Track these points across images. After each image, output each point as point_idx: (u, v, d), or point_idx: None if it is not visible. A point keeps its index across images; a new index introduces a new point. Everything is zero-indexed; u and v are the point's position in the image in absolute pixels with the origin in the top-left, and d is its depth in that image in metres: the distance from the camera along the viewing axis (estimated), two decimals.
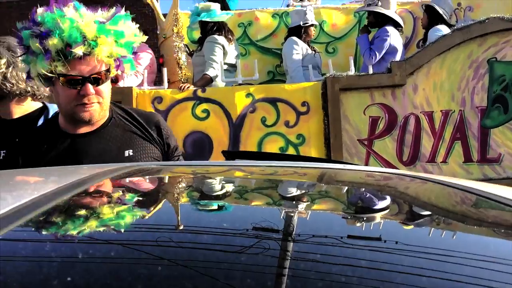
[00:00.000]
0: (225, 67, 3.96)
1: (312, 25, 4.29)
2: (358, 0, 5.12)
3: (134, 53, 1.74)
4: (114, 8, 1.65)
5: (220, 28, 4.06)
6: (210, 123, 3.59)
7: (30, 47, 1.55)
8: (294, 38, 4.24)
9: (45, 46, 1.51)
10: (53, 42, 1.49)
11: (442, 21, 4.21)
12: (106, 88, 1.62)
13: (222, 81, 3.93)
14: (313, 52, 4.27)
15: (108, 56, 1.58)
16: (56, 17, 1.52)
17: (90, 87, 1.55)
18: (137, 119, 1.75)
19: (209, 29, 4.06)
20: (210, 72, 3.87)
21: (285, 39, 4.37)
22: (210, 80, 3.88)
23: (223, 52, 3.98)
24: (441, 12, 4.22)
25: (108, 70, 1.61)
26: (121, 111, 1.77)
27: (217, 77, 3.90)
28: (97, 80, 1.58)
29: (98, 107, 1.61)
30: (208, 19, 4.07)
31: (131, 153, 1.65)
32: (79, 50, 1.50)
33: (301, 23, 4.23)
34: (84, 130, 1.66)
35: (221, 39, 3.96)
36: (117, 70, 1.65)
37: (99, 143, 1.65)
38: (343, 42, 4.73)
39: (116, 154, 1.64)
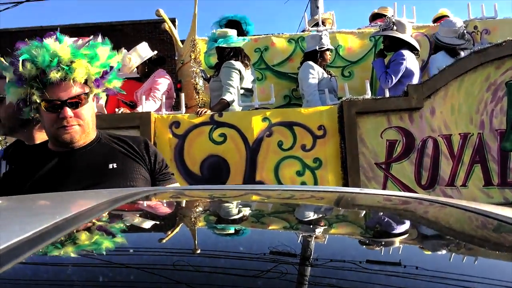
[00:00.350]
0: (242, 91, 4.00)
1: (328, 49, 4.33)
2: (373, 25, 5.15)
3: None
4: (92, 36, 1.72)
5: (237, 53, 4.11)
6: (227, 147, 3.61)
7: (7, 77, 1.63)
8: (310, 62, 4.27)
9: (21, 74, 1.57)
10: (27, 68, 1.56)
11: (446, 48, 4.30)
12: (86, 110, 1.67)
13: (238, 106, 3.96)
14: (329, 76, 4.29)
15: (85, 79, 1.63)
16: (33, 46, 1.59)
17: (68, 111, 1.60)
18: (123, 139, 1.80)
19: (226, 54, 4.12)
20: (227, 97, 3.91)
21: (301, 63, 4.40)
22: (227, 105, 3.91)
23: (240, 77, 4.02)
24: (445, 41, 4.29)
25: (87, 93, 1.65)
26: (108, 135, 1.82)
27: (234, 101, 3.93)
28: (75, 104, 1.63)
29: (79, 129, 1.66)
30: (225, 45, 4.13)
31: (115, 166, 1.68)
32: (54, 76, 1.55)
33: (317, 48, 4.27)
34: (70, 149, 1.72)
35: (237, 64, 4.02)
36: (100, 89, 1.70)
37: (84, 159, 1.70)
38: (359, 66, 4.74)
39: (101, 167, 1.68)
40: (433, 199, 1.27)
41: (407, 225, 0.98)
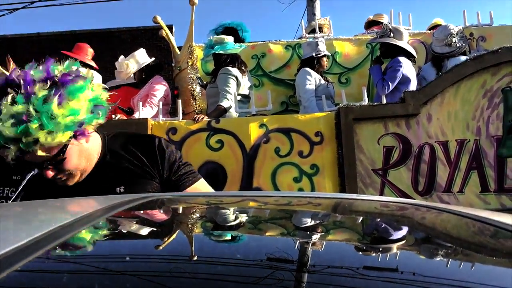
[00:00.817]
0: (239, 98, 4.01)
1: (324, 55, 4.34)
2: (370, 32, 5.17)
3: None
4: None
5: (233, 60, 4.13)
6: (224, 153, 3.61)
7: None
8: (307, 68, 4.29)
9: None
10: None
11: (434, 57, 4.39)
12: (71, 159, 1.50)
13: (236, 112, 3.96)
14: (326, 82, 4.30)
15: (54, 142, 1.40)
16: None
17: (49, 173, 1.48)
18: (132, 150, 1.65)
19: (223, 61, 4.14)
20: (224, 103, 3.92)
21: (298, 70, 4.42)
22: (224, 111, 3.92)
23: (237, 84, 4.03)
24: (436, 50, 4.32)
25: (64, 148, 1.47)
26: (116, 145, 1.68)
27: (231, 108, 3.94)
28: (54, 164, 1.48)
29: (71, 176, 1.55)
30: (221, 52, 4.15)
31: (122, 190, 1.60)
32: (12, 157, 1.37)
33: (314, 54, 4.28)
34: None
35: (234, 70, 4.03)
36: (82, 135, 1.49)
37: (90, 185, 1.60)
38: (356, 72, 4.76)
39: (107, 193, 1.56)
40: (430, 205, 1.27)
41: (404, 231, 0.98)
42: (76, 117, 1.42)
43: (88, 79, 1.51)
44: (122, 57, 4.76)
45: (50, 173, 1.48)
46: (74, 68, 1.53)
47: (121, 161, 1.64)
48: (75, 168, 1.54)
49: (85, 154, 1.56)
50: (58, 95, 1.38)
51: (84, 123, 1.46)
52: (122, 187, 1.61)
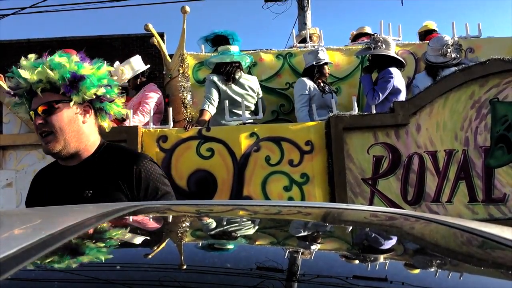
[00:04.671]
0: (227, 104, 4.00)
1: (325, 63, 4.36)
2: (360, 42, 5.21)
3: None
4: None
5: (217, 67, 4.18)
6: (215, 162, 3.61)
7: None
8: (303, 78, 4.31)
9: (16, 92, 1.74)
10: (18, 81, 1.69)
11: (429, 66, 4.42)
12: (59, 117, 1.68)
13: (226, 121, 3.97)
14: (322, 92, 4.28)
15: (57, 86, 1.68)
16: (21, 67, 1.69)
17: (37, 118, 1.67)
18: (118, 163, 1.74)
19: (212, 69, 4.24)
20: (204, 106, 3.99)
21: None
22: (205, 113, 3.95)
23: (219, 90, 4.07)
24: (431, 59, 4.37)
25: (59, 100, 1.68)
26: (108, 152, 1.79)
27: (213, 109, 4.01)
28: (46, 111, 1.67)
29: (53, 137, 1.68)
30: (213, 60, 4.23)
31: (89, 194, 1.67)
32: (23, 87, 1.69)
33: (314, 63, 4.30)
34: (66, 163, 1.77)
35: (214, 77, 4.09)
36: (77, 96, 1.70)
37: (69, 179, 1.73)
38: (346, 82, 4.79)
39: (77, 192, 1.67)
40: (419, 215, 1.28)
41: (393, 241, 0.98)
42: (80, 70, 1.68)
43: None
44: (117, 62, 4.76)
45: (39, 120, 1.66)
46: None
47: (102, 167, 1.73)
48: (59, 129, 1.68)
49: (75, 128, 1.71)
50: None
51: (82, 83, 1.68)
52: (90, 191, 1.67)
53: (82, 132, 1.73)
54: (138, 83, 4.57)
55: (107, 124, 1.86)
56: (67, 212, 1.12)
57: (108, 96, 1.79)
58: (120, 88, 1.97)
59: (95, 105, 1.79)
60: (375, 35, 4.50)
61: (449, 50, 4.32)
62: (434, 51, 4.39)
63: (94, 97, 1.74)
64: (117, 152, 1.81)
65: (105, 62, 1.81)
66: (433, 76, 4.29)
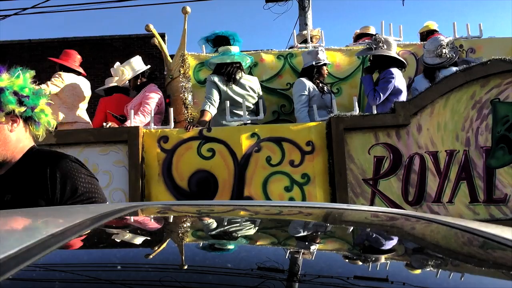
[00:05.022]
0: (227, 104, 4.00)
1: (324, 64, 4.35)
2: (361, 42, 5.21)
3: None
4: None
5: (218, 68, 4.18)
6: (216, 162, 3.61)
7: None
8: (302, 78, 4.30)
9: None
10: None
11: (426, 68, 4.42)
12: None
13: (227, 121, 3.97)
14: (321, 92, 4.29)
15: None
16: None
17: None
18: (34, 164, 1.74)
19: (213, 69, 4.23)
20: (205, 107, 3.99)
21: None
22: (206, 113, 3.95)
23: (219, 90, 4.08)
24: (427, 61, 4.37)
25: None
26: (32, 157, 1.78)
27: (214, 110, 4.01)
28: None
29: None
30: (213, 61, 4.23)
31: (9, 198, 1.66)
32: None
33: (314, 63, 4.30)
34: None
35: (214, 77, 4.09)
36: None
37: None
38: (347, 82, 4.78)
39: (0, 198, 1.67)
40: (420, 215, 1.28)
41: (394, 241, 0.98)
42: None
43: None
44: (118, 63, 4.76)
45: None
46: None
47: (22, 172, 1.72)
48: None
49: (1, 137, 1.70)
50: None
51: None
52: (10, 195, 1.67)
53: (8, 141, 1.72)
54: (139, 83, 4.57)
55: (40, 133, 1.81)
56: (68, 213, 1.12)
57: (32, 105, 1.75)
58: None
59: (23, 114, 1.75)
60: (377, 35, 4.50)
61: (444, 50, 4.32)
62: (429, 53, 4.39)
63: (17, 107, 1.71)
64: (40, 155, 1.79)
65: (27, 68, 1.77)
66: (430, 78, 4.28)
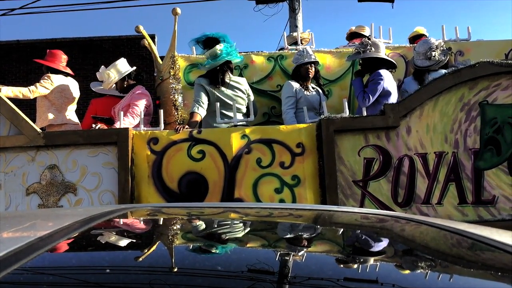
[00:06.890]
0: (218, 105, 3.99)
1: (308, 63, 4.35)
2: (351, 45, 5.23)
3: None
4: None
5: (209, 72, 4.17)
6: (206, 164, 3.60)
7: None
8: (289, 81, 4.31)
9: None
10: None
11: (416, 71, 4.44)
12: None
13: (217, 123, 3.97)
14: (309, 92, 4.29)
15: None
16: None
17: None
18: None
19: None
20: (194, 109, 3.99)
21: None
22: (196, 115, 3.95)
23: (207, 93, 4.08)
24: (417, 64, 4.41)
25: None
26: None
27: (203, 111, 4.00)
28: None
29: None
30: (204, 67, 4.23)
31: None
32: None
33: (297, 64, 4.31)
34: None
35: (202, 81, 4.09)
36: None
37: None
38: (337, 84, 4.80)
39: None
40: (409, 217, 1.29)
41: (384, 243, 0.99)
42: None
43: None
44: (102, 67, 4.72)
45: None
46: None
47: None
48: None
49: None
50: None
51: None
52: None
53: None
54: (125, 85, 4.54)
55: None
56: (56, 215, 1.11)
57: None
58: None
59: None
60: (363, 39, 4.52)
61: (433, 53, 4.35)
62: (419, 55, 4.42)
63: None
64: None
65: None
66: (419, 81, 4.32)
